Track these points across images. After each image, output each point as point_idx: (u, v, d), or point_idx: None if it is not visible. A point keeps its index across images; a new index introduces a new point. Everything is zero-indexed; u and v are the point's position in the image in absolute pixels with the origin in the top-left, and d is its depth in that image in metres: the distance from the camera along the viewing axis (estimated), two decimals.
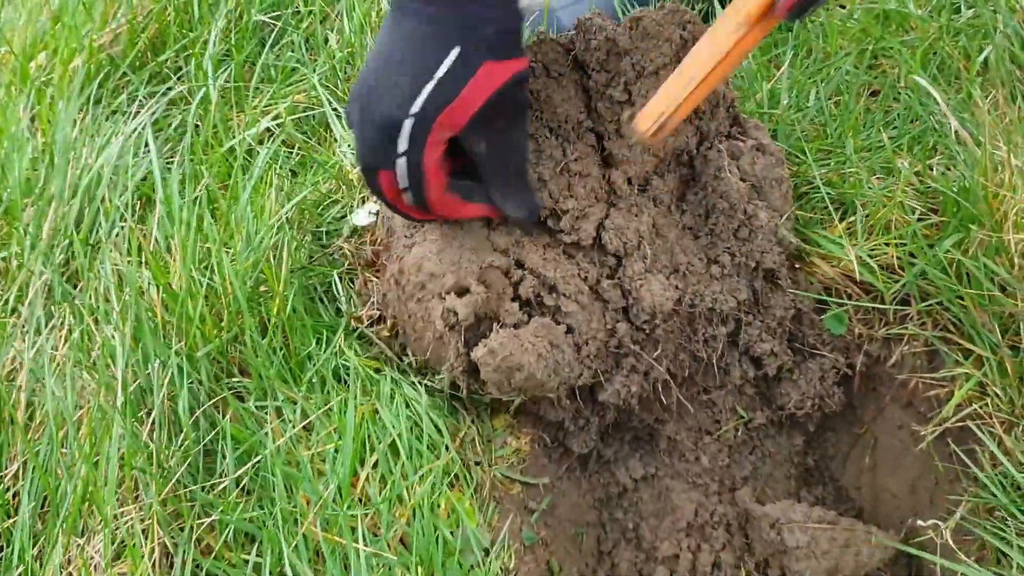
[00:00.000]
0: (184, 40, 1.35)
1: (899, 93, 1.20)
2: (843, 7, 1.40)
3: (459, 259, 0.95)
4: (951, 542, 0.90)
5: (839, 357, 1.05)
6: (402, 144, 0.83)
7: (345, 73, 1.35)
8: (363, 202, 1.17)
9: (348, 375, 1.00)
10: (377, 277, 1.08)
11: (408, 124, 0.82)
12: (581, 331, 0.96)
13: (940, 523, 0.92)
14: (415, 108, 0.82)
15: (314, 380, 0.99)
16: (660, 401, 1.04)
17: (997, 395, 0.92)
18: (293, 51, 1.38)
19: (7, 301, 1.06)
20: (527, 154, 0.94)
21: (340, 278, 1.10)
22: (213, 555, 0.88)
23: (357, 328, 1.06)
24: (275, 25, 1.39)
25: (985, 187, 0.99)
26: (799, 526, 0.99)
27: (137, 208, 1.17)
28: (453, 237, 0.97)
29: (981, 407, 0.93)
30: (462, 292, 0.93)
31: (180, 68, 1.35)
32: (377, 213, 1.13)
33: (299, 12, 1.43)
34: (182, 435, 0.93)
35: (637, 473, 1.07)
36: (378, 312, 1.06)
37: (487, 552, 0.91)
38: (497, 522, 0.94)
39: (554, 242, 0.99)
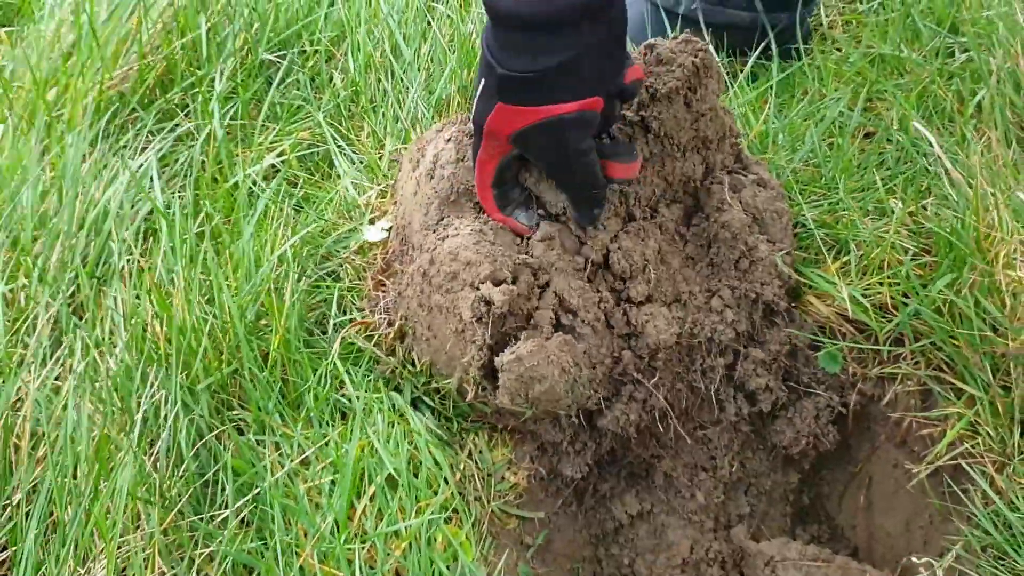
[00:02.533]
0: (192, 78, 1.37)
1: (892, 135, 1.22)
2: (839, 50, 1.43)
3: (494, 252, 0.96)
4: None
5: (833, 395, 1.06)
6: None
7: (349, 111, 1.37)
8: (373, 222, 1.19)
9: (348, 406, 1.02)
10: (388, 282, 1.10)
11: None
12: (591, 354, 0.97)
13: (934, 561, 0.92)
14: (472, 112, 0.96)
15: (312, 414, 1.00)
16: (657, 434, 1.05)
17: (988, 435, 0.93)
18: (299, 89, 1.40)
19: (16, 332, 1.08)
20: (585, 183, 0.97)
21: (342, 295, 1.11)
22: None
23: (354, 343, 1.07)
24: (281, 64, 1.41)
25: (976, 228, 1.00)
26: (794, 564, 1.00)
27: (142, 242, 1.18)
28: (484, 235, 0.99)
29: (973, 446, 0.94)
30: (497, 283, 0.95)
31: (187, 105, 1.38)
32: (390, 228, 1.15)
33: (304, 51, 1.45)
34: (183, 466, 0.94)
35: (633, 509, 1.07)
36: (386, 318, 1.07)
37: None
38: (493, 557, 0.95)
39: (578, 255, 1.02)
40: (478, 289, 0.93)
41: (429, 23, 1.46)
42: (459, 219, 1.01)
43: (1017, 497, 0.89)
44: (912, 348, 1.02)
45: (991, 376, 0.95)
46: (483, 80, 0.91)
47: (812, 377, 1.07)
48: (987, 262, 0.98)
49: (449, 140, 1.05)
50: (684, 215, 1.07)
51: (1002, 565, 0.88)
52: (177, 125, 1.34)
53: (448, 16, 1.46)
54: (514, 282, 0.95)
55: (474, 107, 0.94)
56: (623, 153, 0.98)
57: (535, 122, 0.90)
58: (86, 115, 1.30)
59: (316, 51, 1.45)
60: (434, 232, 1.02)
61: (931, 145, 1.14)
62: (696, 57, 1.01)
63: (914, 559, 0.94)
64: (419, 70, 1.38)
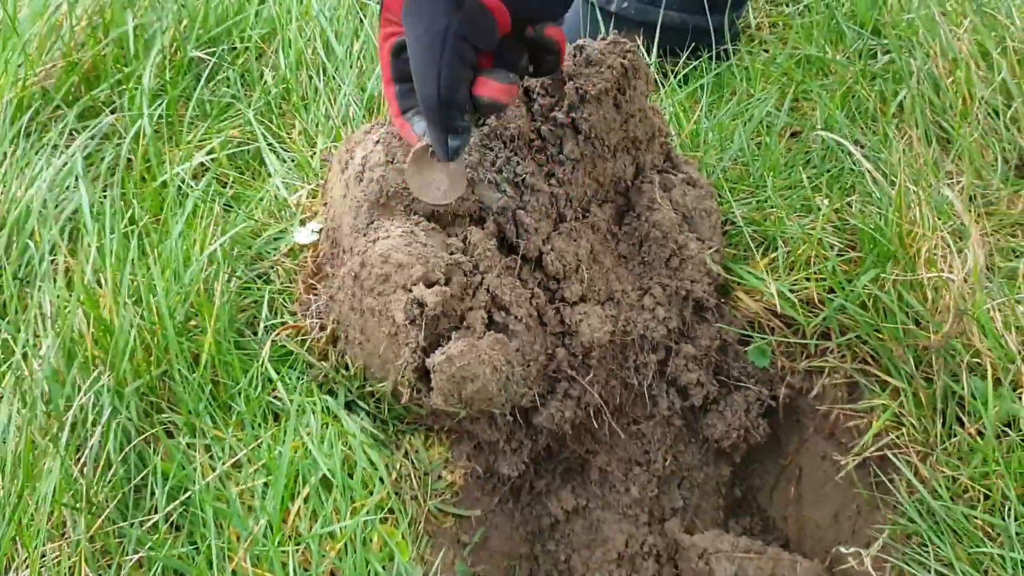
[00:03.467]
0: (119, 75, 1.34)
1: (818, 134, 1.25)
2: (767, 51, 1.46)
3: (426, 253, 0.96)
4: (871, 569, 0.93)
5: (763, 389, 1.08)
6: None
7: (280, 108, 1.36)
8: (303, 223, 1.18)
9: (280, 408, 1.01)
10: (319, 285, 1.09)
11: None
12: (525, 352, 0.97)
13: (862, 551, 0.94)
14: None
15: (244, 417, 0.99)
16: (592, 431, 1.06)
17: (912, 425, 0.96)
18: (229, 87, 1.38)
19: None
20: (447, 90, 0.88)
21: (272, 297, 1.10)
22: None
23: (285, 346, 1.06)
24: (211, 61, 1.39)
25: (900, 225, 1.03)
26: (727, 556, 1.01)
27: (67, 242, 1.16)
28: (415, 236, 0.98)
29: (898, 437, 0.97)
30: (430, 284, 0.94)
31: (114, 103, 1.35)
32: (320, 230, 1.14)
33: (235, 48, 1.43)
34: (112, 471, 0.92)
35: (569, 504, 1.08)
36: (318, 321, 1.06)
37: None
38: (430, 556, 0.95)
39: (508, 255, 1.01)
40: (410, 291, 0.93)
41: (361, 20, 1.45)
42: (389, 221, 1.01)
43: (940, 485, 0.91)
44: (838, 342, 1.04)
45: (914, 368, 0.97)
46: None
47: (742, 371, 1.09)
48: (909, 258, 1.01)
49: (378, 142, 1.04)
50: (616, 214, 1.08)
51: (926, 552, 0.91)
52: (102, 122, 1.31)
53: None
54: (447, 283, 0.95)
55: None
56: (498, 73, 0.91)
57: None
58: (5, 111, 1.27)
59: (247, 48, 1.43)
60: (364, 235, 1.01)
61: (850, 152, 1.17)
62: (624, 58, 1.02)
63: (842, 549, 0.96)
64: (351, 67, 1.37)
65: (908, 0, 1.40)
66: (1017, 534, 0.85)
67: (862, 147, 1.20)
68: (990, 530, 0.87)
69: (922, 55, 1.30)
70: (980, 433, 0.91)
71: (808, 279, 1.08)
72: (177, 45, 1.41)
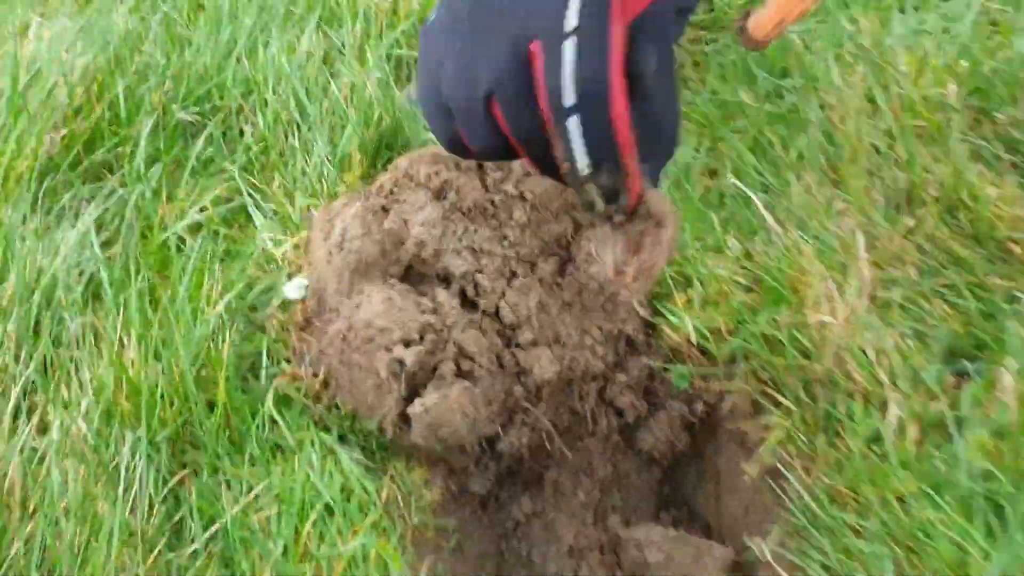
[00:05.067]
0: (115, 139, 1.51)
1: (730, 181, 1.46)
2: (688, 90, 1.65)
3: (403, 318, 1.16)
4: (769, 556, 1.16)
5: (684, 407, 1.31)
6: None
7: (260, 163, 1.54)
8: (290, 278, 1.37)
9: (286, 444, 1.21)
10: (310, 337, 1.29)
11: None
12: (487, 393, 1.19)
13: (762, 541, 1.18)
14: None
15: (255, 454, 1.19)
16: (545, 450, 1.28)
17: (800, 440, 1.19)
18: (212, 144, 1.55)
19: None
20: None
21: (269, 346, 1.30)
22: None
23: (284, 391, 1.26)
24: (196, 120, 1.56)
25: (789, 271, 1.25)
26: (657, 546, 1.24)
27: (91, 303, 1.34)
28: (392, 302, 1.18)
29: (788, 450, 1.19)
30: (408, 344, 1.15)
31: (111, 164, 1.52)
32: (307, 287, 1.33)
33: (216, 107, 1.60)
34: (154, 510, 1.12)
35: (528, 510, 1.30)
36: (311, 370, 1.26)
37: None
38: (417, 563, 1.17)
39: (472, 311, 1.22)
40: (391, 351, 1.14)
41: (329, 79, 1.62)
42: (370, 286, 1.21)
43: (821, 491, 1.15)
44: (744, 368, 1.26)
45: (802, 393, 1.20)
46: None
47: (667, 393, 1.31)
48: (799, 302, 1.23)
49: (355, 216, 1.23)
50: (559, 266, 1.29)
51: (809, 544, 1.14)
52: (105, 186, 1.48)
53: (347, 73, 1.63)
54: (421, 340, 1.16)
55: None
56: None
57: None
58: (26, 183, 1.44)
59: (228, 106, 1.60)
60: (348, 297, 1.21)
61: (759, 189, 1.38)
62: None
63: (746, 539, 1.19)
64: (322, 124, 1.55)
65: (811, 44, 1.61)
66: (877, 531, 1.09)
67: (766, 192, 1.41)
68: (857, 528, 1.10)
69: (816, 104, 1.51)
70: (850, 449, 1.14)
71: (719, 314, 1.29)
72: (164, 106, 1.58)
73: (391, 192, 1.26)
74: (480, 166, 1.26)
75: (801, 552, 1.14)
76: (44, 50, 1.58)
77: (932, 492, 1.09)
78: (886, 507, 1.09)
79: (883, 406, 1.16)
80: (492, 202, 1.24)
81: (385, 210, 1.25)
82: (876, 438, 1.15)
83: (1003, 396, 1.12)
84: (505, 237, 1.24)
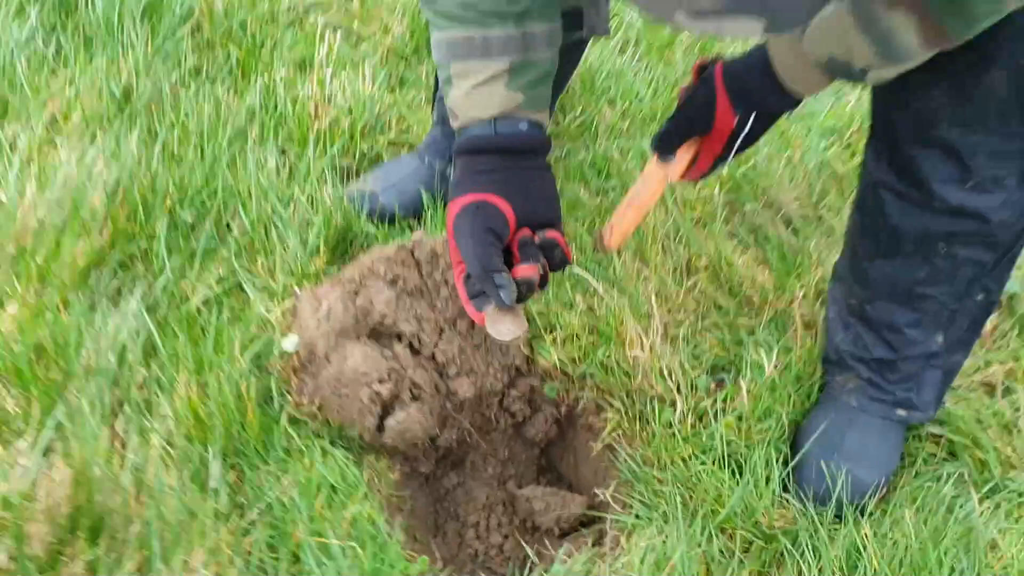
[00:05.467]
0: (141, 237, 2.09)
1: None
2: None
3: (377, 365, 1.81)
4: (610, 499, 1.89)
5: (554, 409, 2.02)
6: None
7: (248, 251, 2.15)
8: (284, 334, 1.99)
9: (296, 449, 1.85)
10: (307, 377, 1.91)
11: None
12: (431, 409, 1.86)
13: (605, 491, 1.90)
14: None
15: (279, 456, 1.83)
16: (467, 441, 1.97)
17: (625, 427, 1.92)
18: (212, 239, 2.15)
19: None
20: (473, 267, 1.46)
21: (277, 384, 1.92)
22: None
23: (292, 414, 1.89)
24: (196, 219, 2.15)
25: (614, 321, 1.98)
26: (539, 499, 1.95)
27: (146, 362, 1.93)
28: (368, 354, 1.82)
29: (617, 434, 1.93)
30: (382, 381, 1.80)
31: (137, 255, 2.09)
32: (298, 341, 1.96)
33: (206, 205, 2.19)
34: (219, 496, 1.74)
35: (454, 481, 1.99)
36: (308, 397, 1.90)
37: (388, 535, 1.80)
38: (391, 519, 1.83)
39: (418, 357, 1.88)
40: (370, 387, 1.80)
41: (299, 185, 2.24)
42: (349, 343, 1.85)
43: (638, 457, 1.88)
44: (590, 383, 1.99)
45: (625, 399, 1.93)
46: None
47: (542, 400, 2.02)
48: (620, 341, 1.96)
49: (337, 298, 1.88)
50: (471, 323, 1.97)
51: (633, 489, 1.87)
52: (135, 272, 2.06)
53: (309, 185, 2.24)
54: (389, 378, 1.82)
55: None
56: (525, 262, 1.44)
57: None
58: (76, 274, 2.00)
59: (216, 205, 2.19)
60: (336, 351, 1.86)
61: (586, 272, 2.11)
62: None
63: (596, 490, 1.92)
64: (294, 221, 2.17)
65: (625, 155, 2.35)
66: (670, 479, 1.83)
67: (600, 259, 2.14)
68: (659, 479, 1.85)
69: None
70: (654, 432, 1.89)
71: (573, 348, 2.01)
72: (171, 208, 2.16)
73: (360, 281, 1.91)
74: (418, 263, 1.92)
75: (628, 495, 1.87)
76: (74, 168, 2.13)
77: (702, 455, 1.84)
78: (675, 465, 1.84)
79: (673, 404, 1.91)
80: (427, 285, 1.91)
81: (356, 293, 1.90)
82: (669, 424, 1.89)
83: (742, 395, 1.89)
84: (435, 307, 1.92)
